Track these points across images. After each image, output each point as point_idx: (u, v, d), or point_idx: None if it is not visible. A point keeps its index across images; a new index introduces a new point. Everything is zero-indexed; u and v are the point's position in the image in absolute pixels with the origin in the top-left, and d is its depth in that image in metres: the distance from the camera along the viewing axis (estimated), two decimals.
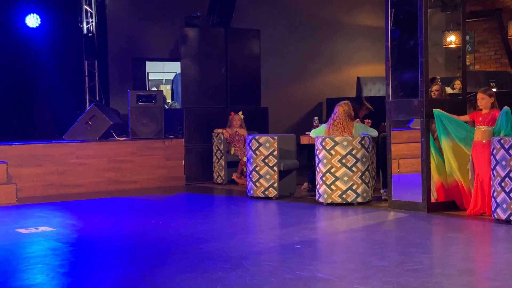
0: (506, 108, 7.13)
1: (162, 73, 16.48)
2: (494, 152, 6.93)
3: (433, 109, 7.64)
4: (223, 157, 10.91)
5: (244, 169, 10.40)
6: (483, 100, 7.36)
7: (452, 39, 14.06)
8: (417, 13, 7.72)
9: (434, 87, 8.69)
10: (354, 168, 8.28)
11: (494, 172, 6.93)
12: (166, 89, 15.76)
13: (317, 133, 8.77)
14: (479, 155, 7.29)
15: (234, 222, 7.59)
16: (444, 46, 14.28)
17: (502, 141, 6.86)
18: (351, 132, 8.48)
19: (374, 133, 8.68)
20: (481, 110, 7.40)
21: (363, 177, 8.34)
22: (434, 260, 5.52)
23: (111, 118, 10.85)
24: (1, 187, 9.10)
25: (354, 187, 8.30)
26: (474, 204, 7.39)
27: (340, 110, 8.55)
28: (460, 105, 7.99)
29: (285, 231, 6.87)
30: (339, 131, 8.47)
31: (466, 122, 7.61)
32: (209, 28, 11.92)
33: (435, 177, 7.74)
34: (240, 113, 11.13)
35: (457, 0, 8.25)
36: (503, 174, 6.83)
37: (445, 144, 7.62)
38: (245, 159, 10.01)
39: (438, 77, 12.15)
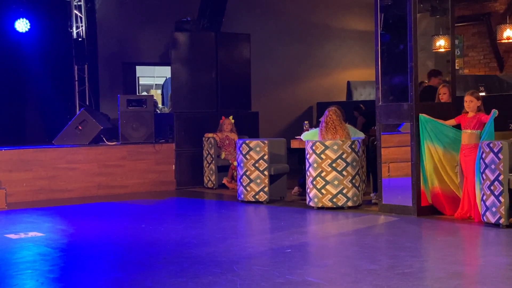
0: (494, 110, 7.14)
1: (152, 77, 16.50)
2: (483, 155, 6.95)
3: (419, 114, 7.66)
4: (213, 162, 10.90)
5: (235, 174, 10.40)
6: (471, 103, 7.38)
7: (441, 44, 14.12)
8: (406, 18, 7.75)
9: (442, 90, 8.54)
10: (344, 172, 8.29)
11: (483, 175, 6.95)
12: (157, 94, 15.77)
13: (310, 136, 8.75)
14: (466, 159, 7.32)
15: (225, 227, 7.58)
16: (434, 50, 14.33)
17: (491, 145, 6.88)
18: (346, 133, 8.46)
19: (361, 135, 8.79)
20: (467, 113, 7.44)
21: (354, 181, 8.35)
22: (424, 263, 5.53)
23: (101, 123, 10.83)
24: None
25: (344, 191, 8.31)
26: (462, 206, 7.42)
27: (332, 112, 8.54)
28: (448, 109, 8.02)
29: (276, 235, 6.87)
30: (332, 132, 8.43)
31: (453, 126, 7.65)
32: (200, 33, 11.92)
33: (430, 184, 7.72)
34: (230, 117, 11.13)
35: (446, 5, 8.30)
36: (492, 178, 6.85)
37: (427, 150, 7.64)
38: (235, 163, 10.01)
39: (426, 82, 12.18)
